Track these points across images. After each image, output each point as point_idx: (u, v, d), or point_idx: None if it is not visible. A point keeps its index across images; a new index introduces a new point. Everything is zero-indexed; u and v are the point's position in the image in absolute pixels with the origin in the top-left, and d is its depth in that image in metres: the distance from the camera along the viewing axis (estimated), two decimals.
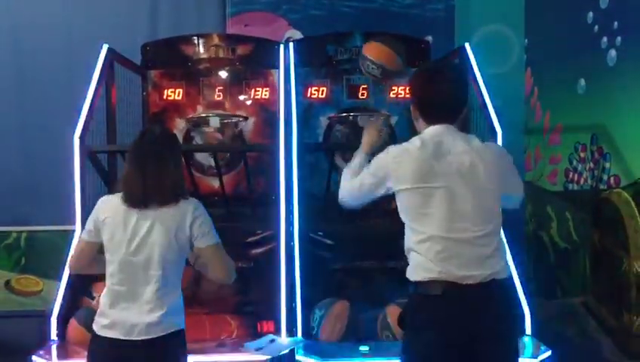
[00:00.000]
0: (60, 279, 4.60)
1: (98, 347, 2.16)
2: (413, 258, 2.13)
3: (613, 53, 3.43)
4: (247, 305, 3.14)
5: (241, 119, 3.90)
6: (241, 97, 4.00)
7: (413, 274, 2.11)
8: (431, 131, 2.17)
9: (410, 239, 2.14)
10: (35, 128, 4.57)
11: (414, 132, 2.29)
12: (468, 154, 2.11)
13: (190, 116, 3.87)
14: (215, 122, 3.69)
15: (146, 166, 2.16)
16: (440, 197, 2.07)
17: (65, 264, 4.55)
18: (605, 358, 3.43)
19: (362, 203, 2.32)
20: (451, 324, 2.02)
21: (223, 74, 4.02)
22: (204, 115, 3.82)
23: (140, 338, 2.10)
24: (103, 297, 2.21)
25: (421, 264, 2.08)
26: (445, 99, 2.18)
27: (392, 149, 2.21)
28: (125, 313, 2.13)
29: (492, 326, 2.04)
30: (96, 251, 2.27)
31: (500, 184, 2.14)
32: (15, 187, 4.56)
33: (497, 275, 2.06)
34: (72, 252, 2.38)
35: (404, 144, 2.19)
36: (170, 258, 2.17)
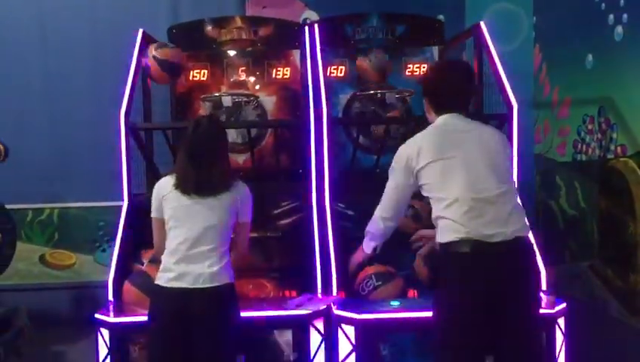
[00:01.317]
0: (92, 253, 4.90)
1: (165, 298, 2.43)
2: (441, 224, 2.34)
3: (619, 29, 3.60)
4: (278, 271, 3.37)
5: (252, 98, 4.06)
6: (263, 77, 4.18)
7: (443, 236, 2.33)
8: (442, 120, 2.45)
9: (437, 208, 2.36)
10: (63, 110, 4.75)
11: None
12: (478, 130, 2.41)
13: (203, 96, 4.03)
14: (227, 101, 3.86)
15: (200, 164, 2.47)
16: (458, 164, 2.32)
17: (99, 237, 4.86)
18: (612, 316, 3.66)
19: (400, 210, 2.58)
20: (479, 279, 2.24)
21: (246, 55, 4.19)
22: (217, 94, 3.99)
23: (205, 286, 2.39)
24: (167, 256, 2.47)
25: (449, 226, 2.30)
26: (454, 92, 2.45)
27: (405, 144, 2.47)
28: (190, 267, 2.41)
29: (517, 280, 2.26)
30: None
31: (507, 155, 2.42)
32: (47, 166, 4.76)
33: (520, 233, 2.29)
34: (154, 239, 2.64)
35: (418, 134, 2.47)
36: (226, 225, 2.52)
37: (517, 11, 4.75)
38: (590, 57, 3.91)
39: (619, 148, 3.63)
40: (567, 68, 4.21)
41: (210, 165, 2.47)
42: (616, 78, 3.65)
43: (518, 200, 2.43)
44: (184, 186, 2.47)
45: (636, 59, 3.44)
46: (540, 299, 2.39)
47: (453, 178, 2.31)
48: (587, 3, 3.88)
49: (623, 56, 3.57)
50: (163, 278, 2.45)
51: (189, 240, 2.45)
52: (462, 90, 2.48)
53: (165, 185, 2.53)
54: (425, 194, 2.41)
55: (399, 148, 2.49)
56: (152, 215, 2.59)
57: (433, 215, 2.39)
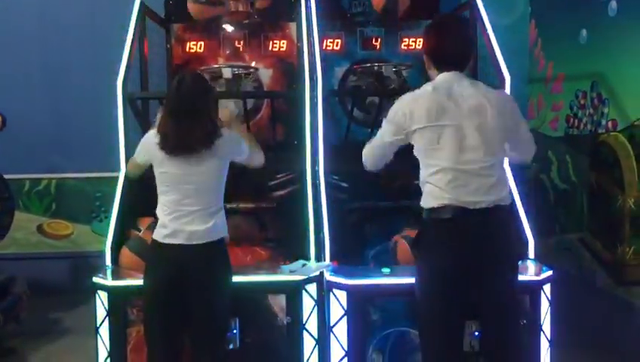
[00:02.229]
0: (89, 223, 4.95)
1: (161, 253, 2.50)
2: (426, 189, 2.41)
3: (613, 4, 3.63)
4: (273, 241, 3.43)
5: (251, 70, 4.08)
6: (260, 49, 4.20)
7: (427, 201, 2.39)
8: (442, 77, 2.44)
9: (424, 173, 2.42)
10: (61, 81, 4.79)
11: (426, 81, 2.56)
12: (475, 96, 2.38)
13: (203, 68, 4.05)
14: (227, 73, 3.87)
15: (180, 118, 2.47)
16: (450, 133, 2.34)
17: (96, 207, 4.90)
18: (599, 287, 3.75)
19: (384, 160, 2.60)
20: (460, 244, 2.31)
21: (242, 27, 4.19)
22: (216, 66, 4.01)
23: (200, 242, 2.47)
24: (162, 214, 2.54)
25: (433, 192, 2.36)
26: (454, 49, 2.44)
27: (406, 96, 2.48)
28: (185, 224, 2.49)
29: (495, 246, 2.33)
30: (144, 170, 2.68)
31: (506, 123, 2.40)
32: (44, 137, 4.81)
33: (501, 202, 2.34)
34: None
35: (417, 90, 2.46)
36: (218, 182, 2.58)
37: None
38: (584, 32, 3.94)
39: (610, 123, 3.68)
40: (561, 43, 4.25)
41: (191, 122, 2.46)
42: (608, 53, 3.69)
43: (505, 170, 2.46)
44: (165, 144, 2.49)
45: (629, 35, 3.47)
46: (517, 267, 2.45)
47: (443, 147, 2.35)
48: None
49: (616, 31, 3.61)
50: (159, 234, 2.53)
51: (180, 200, 2.50)
52: (463, 47, 2.46)
53: (151, 142, 2.56)
54: (415, 154, 2.45)
55: (399, 100, 2.48)
56: (134, 158, 2.72)
57: (421, 177, 2.44)
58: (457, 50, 2.45)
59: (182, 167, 2.51)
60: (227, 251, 2.60)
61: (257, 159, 2.87)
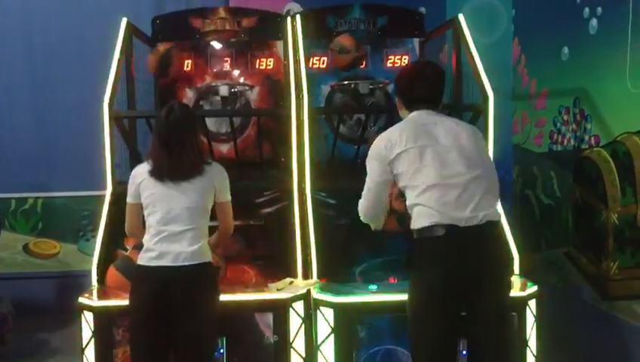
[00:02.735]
0: (75, 242, 4.93)
1: (147, 276, 2.50)
2: (415, 211, 2.42)
3: (594, 22, 3.70)
4: (260, 259, 3.43)
5: (247, 88, 4.14)
6: (247, 67, 4.23)
7: (417, 222, 2.41)
8: (413, 114, 2.56)
9: (411, 196, 2.44)
10: (48, 98, 4.78)
11: None
12: (448, 122, 2.51)
13: (200, 85, 4.10)
14: (224, 91, 3.92)
15: (172, 149, 2.54)
16: (430, 151, 2.41)
17: (82, 226, 4.88)
18: (585, 301, 3.77)
19: (381, 205, 2.60)
20: (452, 261, 2.33)
21: (230, 45, 4.24)
22: (213, 84, 4.05)
23: (186, 264, 2.48)
24: (147, 239, 2.55)
25: (423, 212, 2.38)
26: (426, 96, 2.56)
27: (381, 134, 2.56)
28: (171, 246, 2.50)
29: (488, 262, 2.35)
30: (142, 211, 2.62)
31: (480, 146, 2.51)
32: (31, 155, 4.78)
33: (491, 217, 2.37)
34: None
35: (389, 129, 2.56)
36: (204, 207, 2.61)
37: (496, 4, 4.84)
38: (566, 49, 4.00)
39: (592, 139, 3.73)
40: (544, 60, 4.31)
41: (182, 151, 2.54)
42: (590, 70, 3.75)
43: (492, 185, 2.49)
44: (158, 172, 2.55)
45: (610, 52, 3.53)
46: (510, 283, 2.47)
47: (425, 166, 2.40)
48: None
49: (597, 48, 3.67)
50: (144, 258, 2.53)
51: (167, 219, 2.52)
52: (434, 93, 2.58)
53: (141, 172, 2.61)
54: (400, 184, 2.48)
55: (374, 142, 2.56)
56: (128, 200, 2.66)
57: (408, 203, 2.46)
58: (429, 95, 2.56)
59: (170, 187, 2.55)
60: (214, 273, 2.61)
61: (232, 223, 2.76)
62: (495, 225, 2.40)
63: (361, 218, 2.68)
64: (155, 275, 2.49)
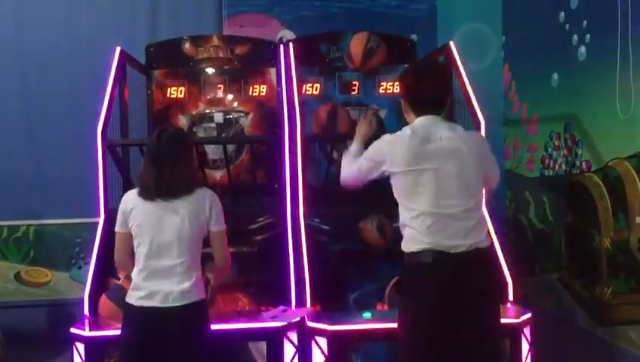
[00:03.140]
0: (67, 270, 4.89)
1: (135, 317, 2.41)
2: (407, 232, 2.43)
3: (582, 49, 3.75)
4: (254, 286, 3.41)
5: (242, 114, 4.16)
6: (240, 94, 4.26)
7: (407, 245, 2.41)
8: (420, 122, 2.48)
9: (404, 216, 2.44)
10: (40, 126, 4.77)
11: (403, 124, 2.61)
12: (452, 140, 2.43)
13: (194, 112, 4.12)
14: (219, 118, 3.94)
15: (162, 167, 2.44)
16: (429, 177, 2.38)
17: (75, 254, 4.84)
18: (579, 327, 3.76)
19: (361, 184, 2.63)
20: (441, 287, 2.32)
21: (223, 73, 4.27)
22: (207, 111, 4.07)
23: (175, 305, 2.37)
24: (136, 274, 2.46)
25: (414, 237, 2.38)
26: (432, 95, 2.48)
27: (386, 137, 2.53)
28: (160, 284, 2.40)
29: (477, 288, 2.34)
30: (131, 241, 2.51)
31: (481, 164, 2.46)
32: (23, 183, 4.74)
33: (480, 244, 2.38)
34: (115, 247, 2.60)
35: (397, 133, 2.51)
36: (194, 237, 2.46)
37: (487, 31, 4.90)
38: (556, 76, 4.05)
39: (584, 164, 3.76)
40: (534, 86, 4.36)
41: (173, 168, 2.43)
42: (580, 96, 3.79)
43: (485, 212, 2.50)
44: (146, 190, 2.45)
45: (599, 78, 3.58)
46: (499, 310, 2.46)
47: (423, 191, 2.38)
48: (552, 24, 4.03)
49: (586, 75, 3.72)
50: (133, 297, 2.44)
51: (156, 252, 2.42)
52: (440, 92, 2.50)
53: (131, 197, 2.51)
54: (395, 194, 2.47)
55: (381, 139, 2.51)
56: (116, 229, 2.53)
57: (400, 219, 2.46)
58: (434, 94, 2.49)
59: (161, 207, 2.43)
60: (206, 311, 2.50)
61: (228, 253, 2.60)
62: (484, 251, 2.40)
63: (341, 178, 2.68)
64: (143, 317, 2.39)
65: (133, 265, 2.51)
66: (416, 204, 2.39)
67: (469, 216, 2.38)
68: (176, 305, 2.38)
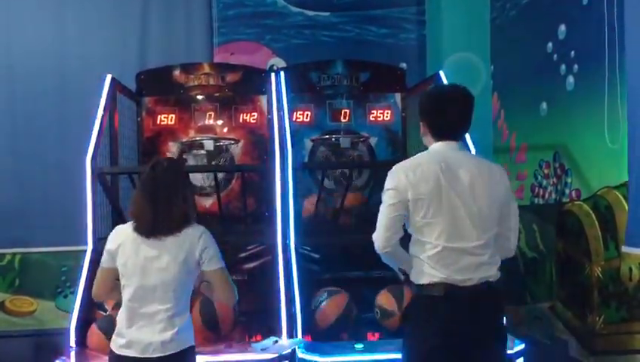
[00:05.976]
0: (53, 299, 4.81)
1: None
2: (417, 263, 2.37)
3: (571, 79, 3.79)
4: (244, 315, 3.37)
5: (232, 142, 4.16)
6: (231, 122, 4.26)
7: (417, 277, 2.36)
8: (437, 147, 2.40)
9: (415, 247, 2.37)
10: (28, 153, 4.72)
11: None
12: (470, 170, 2.34)
13: (185, 140, 4.11)
14: (209, 145, 3.94)
15: (157, 199, 2.32)
16: (444, 209, 2.30)
17: (61, 283, 4.76)
18: (571, 356, 3.74)
19: (395, 238, 2.38)
20: (452, 320, 2.28)
21: (214, 100, 4.28)
22: (198, 138, 4.06)
23: (155, 356, 2.27)
24: (120, 317, 2.37)
25: (424, 269, 2.33)
26: (454, 120, 2.39)
27: (401, 165, 2.38)
28: (141, 333, 2.29)
29: (486, 322, 2.32)
30: (114, 277, 2.40)
31: (498, 194, 2.36)
32: (8, 210, 4.68)
33: (490, 278, 2.34)
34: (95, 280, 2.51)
35: (413, 158, 2.41)
36: (181, 281, 2.34)
37: (475, 60, 4.95)
38: (544, 105, 4.09)
39: (573, 193, 3.77)
40: (523, 115, 4.39)
41: (168, 202, 2.32)
42: (568, 125, 3.82)
43: (500, 247, 2.40)
44: (141, 225, 2.33)
45: (586, 108, 3.61)
46: (507, 343, 2.42)
47: (436, 224, 2.30)
48: (540, 53, 4.08)
49: (574, 104, 3.75)
50: (115, 343, 2.35)
51: (141, 296, 2.31)
52: (462, 118, 2.41)
53: (120, 233, 2.41)
54: (407, 225, 2.38)
55: (393, 172, 2.37)
56: (102, 264, 2.41)
57: (411, 248, 2.39)
58: (457, 122, 2.40)
59: (148, 252, 2.32)
60: (195, 360, 2.39)
61: (229, 291, 2.44)
62: (493, 285, 2.36)
63: (376, 249, 2.42)
64: None
65: (114, 297, 2.42)
66: (429, 237, 2.32)
67: (482, 252, 2.32)
68: (155, 356, 2.27)
